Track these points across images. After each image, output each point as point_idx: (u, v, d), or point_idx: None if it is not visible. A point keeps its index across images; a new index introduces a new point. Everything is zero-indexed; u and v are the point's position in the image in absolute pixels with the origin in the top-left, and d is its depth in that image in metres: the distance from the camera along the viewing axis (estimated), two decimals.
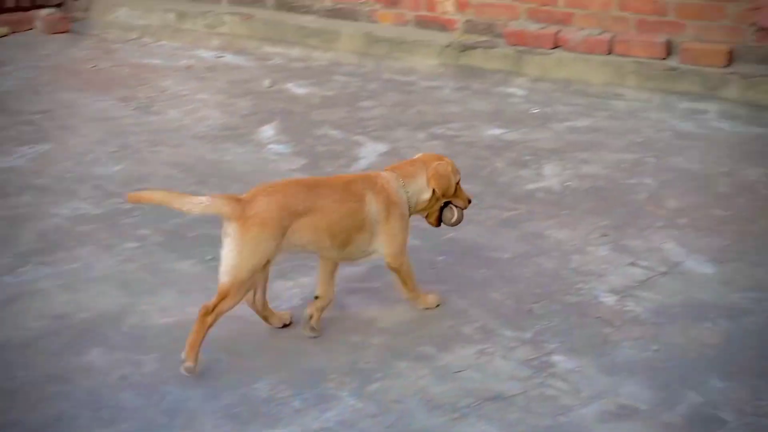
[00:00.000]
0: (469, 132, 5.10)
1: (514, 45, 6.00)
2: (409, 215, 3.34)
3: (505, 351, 3.19)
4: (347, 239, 3.23)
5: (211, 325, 3.04)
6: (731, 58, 5.57)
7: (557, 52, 5.91)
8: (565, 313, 3.40)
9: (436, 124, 5.19)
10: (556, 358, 3.15)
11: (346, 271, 3.65)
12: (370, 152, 4.78)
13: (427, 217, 3.44)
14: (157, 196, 3.21)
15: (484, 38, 6.14)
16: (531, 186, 4.41)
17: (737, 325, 3.35)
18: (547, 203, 4.25)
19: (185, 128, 5.12)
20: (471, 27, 6.23)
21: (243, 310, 3.37)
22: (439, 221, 3.42)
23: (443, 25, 6.30)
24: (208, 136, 5.00)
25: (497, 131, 5.11)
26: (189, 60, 6.28)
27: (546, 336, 3.27)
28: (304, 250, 3.24)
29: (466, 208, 3.43)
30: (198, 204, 3.05)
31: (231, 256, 3.03)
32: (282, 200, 3.11)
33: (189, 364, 3.02)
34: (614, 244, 3.88)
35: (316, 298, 3.33)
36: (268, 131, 5.07)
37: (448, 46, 6.10)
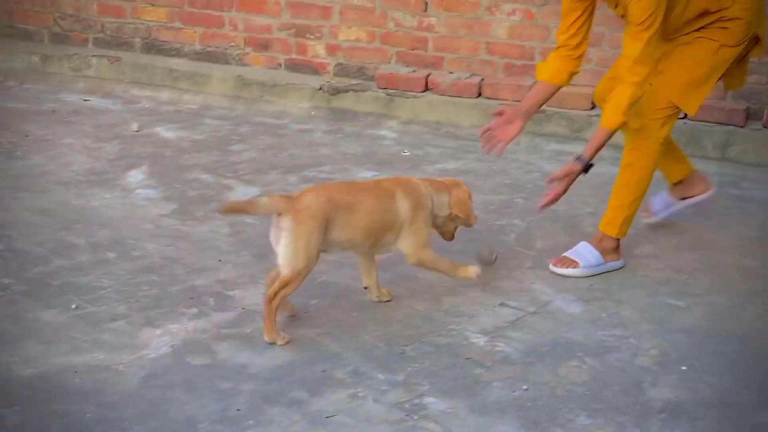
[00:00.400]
0: (341, 175, 5.10)
1: (385, 88, 6.06)
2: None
3: (378, 394, 3.18)
4: (379, 237, 3.55)
5: (277, 308, 3.39)
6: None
7: (428, 95, 6.00)
8: (437, 355, 3.42)
9: (308, 167, 5.18)
10: (428, 399, 3.16)
11: (215, 317, 3.61)
12: (241, 196, 4.73)
13: (442, 234, 3.82)
14: (235, 205, 3.72)
15: (355, 81, 6.19)
16: None
17: (603, 362, 3.42)
18: None
19: (50, 173, 4.98)
20: (342, 70, 6.27)
21: (110, 359, 3.30)
22: (452, 237, 3.84)
23: (315, 69, 6.32)
24: (73, 182, 4.88)
25: (369, 173, 5.13)
26: (54, 104, 6.13)
27: (418, 378, 3.27)
28: (336, 249, 3.55)
29: (472, 225, 3.85)
30: (263, 205, 3.44)
31: (289, 247, 3.35)
32: (329, 195, 3.45)
33: (279, 342, 3.41)
34: (484, 285, 3.92)
35: (366, 288, 3.75)
36: (136, 176, 4.98)
37: (319, 89, 6.13)
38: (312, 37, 6.31)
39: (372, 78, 6.17)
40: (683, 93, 3.95)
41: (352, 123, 5.94)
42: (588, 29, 4.03)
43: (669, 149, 4.26)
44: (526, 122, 4.12)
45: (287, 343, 3.44)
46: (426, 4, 6.06)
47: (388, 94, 6.03)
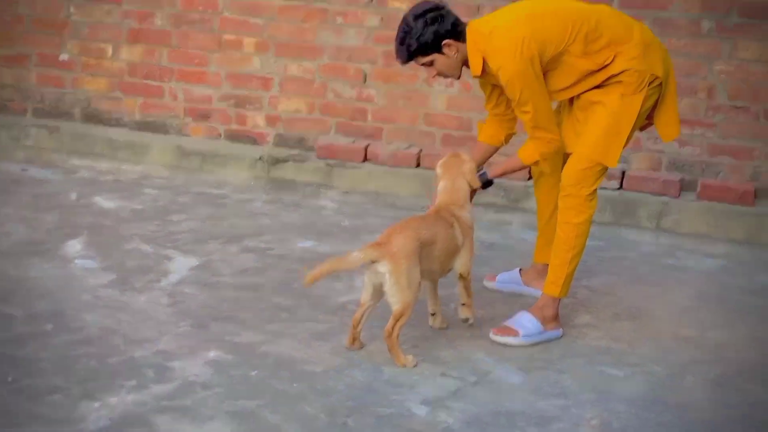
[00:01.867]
0: (281, 245, 5.10)
1: (325, 158, 6.10)
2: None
3: None
4: (447, 263, 3.97)
5: (397, 337, 3.76)
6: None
7: (367, 166, 6.05)
8: (379, 426, 3.40)
9: (248, 237, 5.18)
10: None
11: (155, 389, 3.56)
12: (180, 267, 4.71)
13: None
14: (325, 268, 3.76)
15: (295, 151, 6.22)
16: (344, 298, 4.43)
17: None
18: None
19: None
20: (282, 140, 6.31)
21: None
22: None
23: (255, 139, 6.35)
24: (11, 252, 4.81)
25: (309, 244, 5.13)
26: None
27: None
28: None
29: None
30: (358, 260, 3.73)
31: (395, 288, 3.69)
32: (414, 234, 3.79)
33: (410, 364, 3.80)
34: (426, 355, 3.92)
35: (433, 314, 4.13)
36: (75, 246, 4.92)
37: (259, 159, 6.15)
38: (252, 107, 6.35)
39: (312, 148, 6.21)
40: (601, 149, 4.07)
41: (291, 193, 5.96)
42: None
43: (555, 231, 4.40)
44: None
45: (416, 365, 3.80)
46: (365, 75, 6.14)
47: (327, 164, 6.06)
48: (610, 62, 4.00)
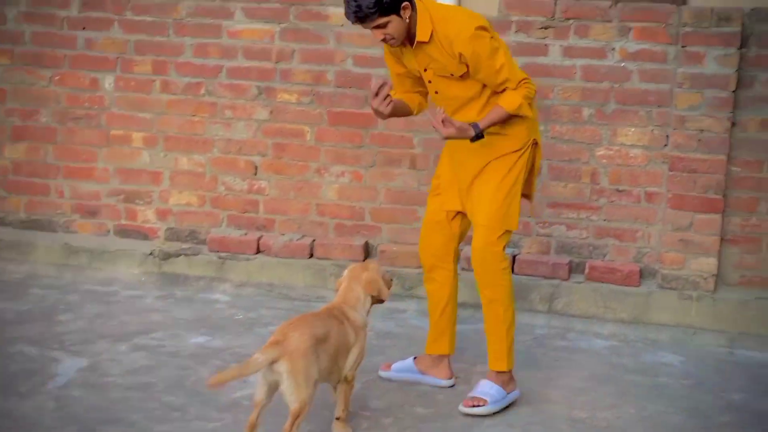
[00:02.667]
0: (173, 341, 5.01)
1: (217, 251, 6.04)
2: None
3: None
4: (341, 360, 3.90)
5: None
6: None
7: (260, 257, 6.01)
8: None
9: (138, 335, 5.07)
10: None
11: None
12: (68, 368, 4.58)
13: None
14: (230, 374, 3.66)
15: (186, 245, 6.15)
16: (237, 394, 4.36)
17: None
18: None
19: None
20: (173, 234, 6.24)
21: None
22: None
23: (145, 234, 6.27)
24: None
25: (202, 339, 5.06)
26: None
27: None
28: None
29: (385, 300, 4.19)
30: (261, 364, 3.62)
31: (293, 387, 3.63)
32: (310, 330, 3.74)
33: None
34: None
35: (338, 419, 4.01)
36: None
37: (150, 255, 6.06)
38: (142, 202, 6.28)
39: (203, 241, 6.15)
40: (503, 216, 4.23)
41: (183, 287, 5.89)
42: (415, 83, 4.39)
43: (450, 321, 4.54)
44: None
45: None
46: (256, 167, 6.13)
47: (220, 258, 6.01)
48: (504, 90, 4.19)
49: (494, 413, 4.25)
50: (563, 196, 5.78)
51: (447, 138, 4.15)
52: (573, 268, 5.79)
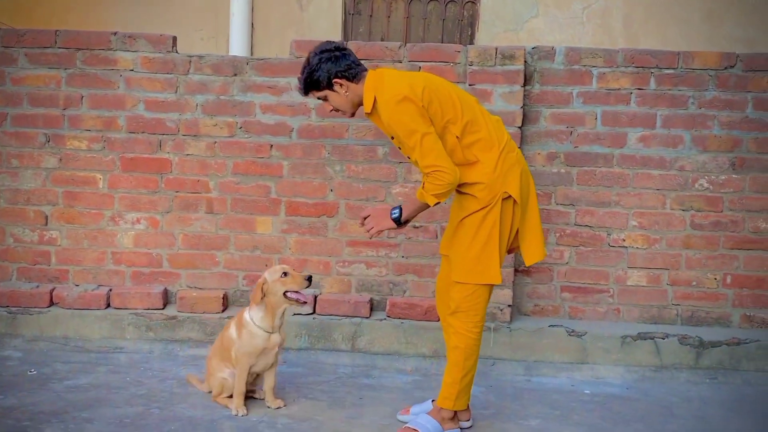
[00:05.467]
0: None
1: (7, 306, 5.79)
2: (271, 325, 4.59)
3: None
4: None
5: None
6: (226, 303, 5.82)
7: (53, 310, 5.79)
8: None
9: None
10: None
11: None
12: None
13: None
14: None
15: None
16: None
17: None
18: None
19: None
20: None
21: None
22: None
23: None
24: None
25: None
26: None
27: None
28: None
29: (307, 286, 4.54)
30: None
31: None
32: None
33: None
34: None
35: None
36: None
37: None
38: None
39: None
40: (479, 271, 4.29)
41: None
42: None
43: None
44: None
45: None
46: (46, 217, 5.93)
47: (10, 312, 5.76)
48: (473, 162, 4.22)
49: None
50: (361, 235, 5.83)
51: (374, 236, 4.42)
52: (374, 306, 5.84)
